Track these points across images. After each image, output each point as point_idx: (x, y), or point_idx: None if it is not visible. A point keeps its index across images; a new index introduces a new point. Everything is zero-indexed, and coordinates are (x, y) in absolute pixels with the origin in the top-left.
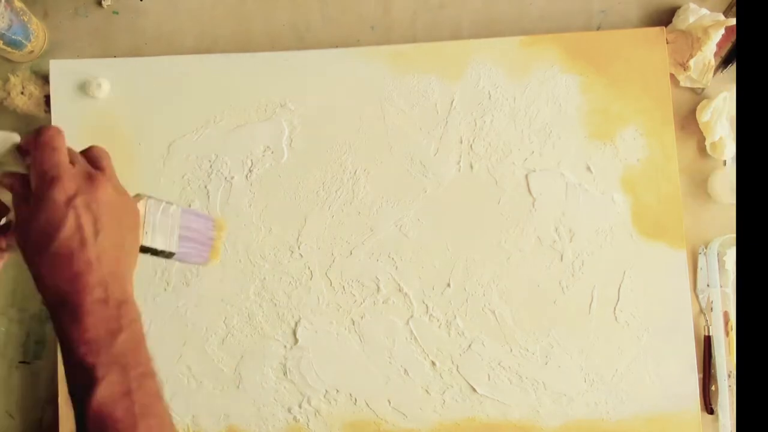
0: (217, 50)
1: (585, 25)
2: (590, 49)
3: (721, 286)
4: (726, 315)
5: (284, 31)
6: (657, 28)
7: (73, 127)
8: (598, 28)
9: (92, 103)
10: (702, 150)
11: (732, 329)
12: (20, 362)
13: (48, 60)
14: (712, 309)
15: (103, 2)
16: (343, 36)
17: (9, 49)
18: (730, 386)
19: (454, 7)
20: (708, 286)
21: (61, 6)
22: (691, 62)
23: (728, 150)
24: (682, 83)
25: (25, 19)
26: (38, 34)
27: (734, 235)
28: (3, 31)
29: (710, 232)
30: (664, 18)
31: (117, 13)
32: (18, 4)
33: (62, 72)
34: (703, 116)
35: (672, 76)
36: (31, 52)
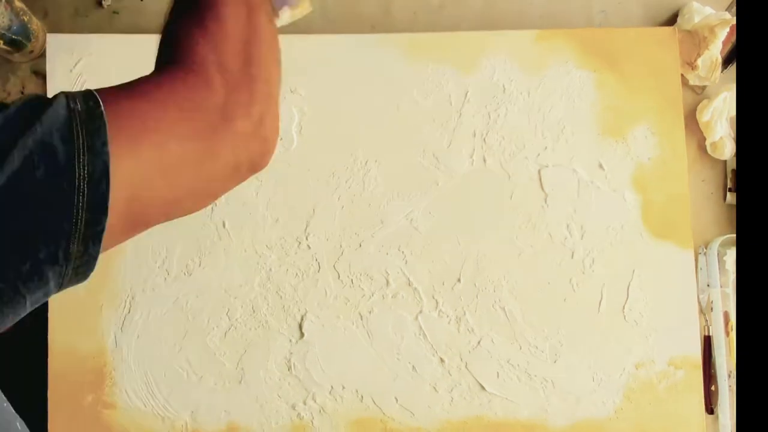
0: None
1: (585, 24)
2: (604, 46)
3: (721, 286)
4: (726, 315)
5: (284, 31)
6: (669, 28)
7: None
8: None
9: (90, 81)
10: (702, 150)
11: (732, 329)
12: None
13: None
14: (712, 309)
15: (103, 2)
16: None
17: (9, 49)
18: (730, 386)
19: (454, 7)
20: (708, 286)
21: (61, 6)
22: (699, 61)
23: (728, 150)
24: (691, 81)
25: (26, 20)
26: (38, 34)
27: (734, 235)
28: (3, 31)
29: (710, 232)
30: (665, 17)
31: (117, 13)
32: (18, 5)
33: (60, 48)
34: (703, 116)
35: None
36: (31, 52)
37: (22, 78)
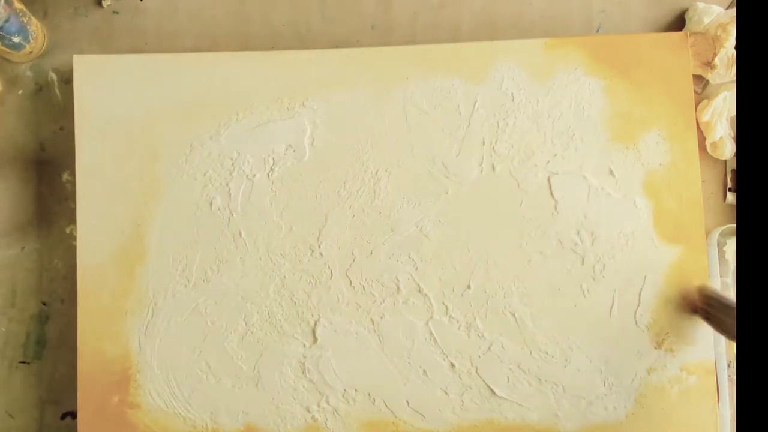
0: (217, 50)
1: (585, 24)
2: (614, 53)
3: (721, 277)
4: None
5: (284, 31)
6: (679, 33)
7: (97, 123)
8: (598, 29)
9: (116, 99)
10: (702, 150)
11: None
12: (20, 362)
13: (46, 60)
14: None
15: (103, 2)
16: (343, 36)
17: (8, 50)
18: (729, 376)
19: (454, 7)
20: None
21: (61, 6)
22: (717, 60)
23: (728, 150)
24: (712, 81)
25: (25, 21)
26: (37, 35)
27: (734, 225)
28: (1, 32)
29: (709, 225)
30: (666, 16)
31: (117, 13)
32: (18, 6)
33: (86, 67)
34: (703, 116)
35: (694, 78)
36: (30, 52)
37: (20, 79)
